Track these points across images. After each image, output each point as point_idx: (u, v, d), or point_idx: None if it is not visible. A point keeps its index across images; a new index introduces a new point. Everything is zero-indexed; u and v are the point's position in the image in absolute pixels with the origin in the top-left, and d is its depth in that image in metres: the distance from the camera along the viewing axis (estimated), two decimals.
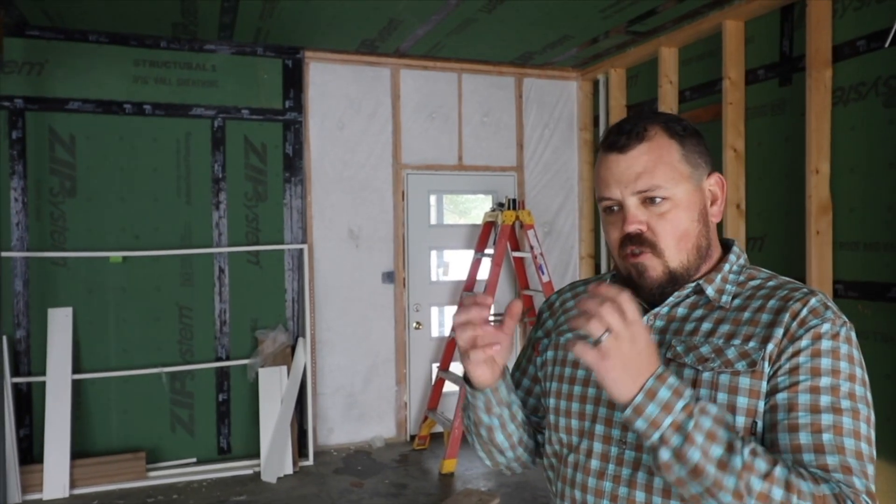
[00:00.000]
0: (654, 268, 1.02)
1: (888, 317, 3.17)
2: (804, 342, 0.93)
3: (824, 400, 0.90)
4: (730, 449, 0.84)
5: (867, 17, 3.25)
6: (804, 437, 0.89)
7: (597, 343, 0.85)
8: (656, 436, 0.85)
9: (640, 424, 0.85)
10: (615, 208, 1.05)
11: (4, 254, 4.15)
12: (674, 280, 1.03)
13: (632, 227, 1.02)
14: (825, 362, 0.92)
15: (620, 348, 0.84)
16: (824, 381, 0.91)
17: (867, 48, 3.26)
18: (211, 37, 4.52)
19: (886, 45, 3.13)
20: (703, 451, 0.83)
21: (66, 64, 4.30)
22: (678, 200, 1.02)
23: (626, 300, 0.85)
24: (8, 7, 3.85)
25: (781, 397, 0.92)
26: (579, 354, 0.86)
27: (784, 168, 3.74)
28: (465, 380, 1.10)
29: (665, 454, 0.85)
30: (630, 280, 1.06)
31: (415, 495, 4.12)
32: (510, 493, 4.11)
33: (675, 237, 1.02)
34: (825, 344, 0.93)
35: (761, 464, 0.84)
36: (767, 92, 3.86)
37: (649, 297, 1.06)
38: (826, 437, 0.88)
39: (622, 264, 1.06)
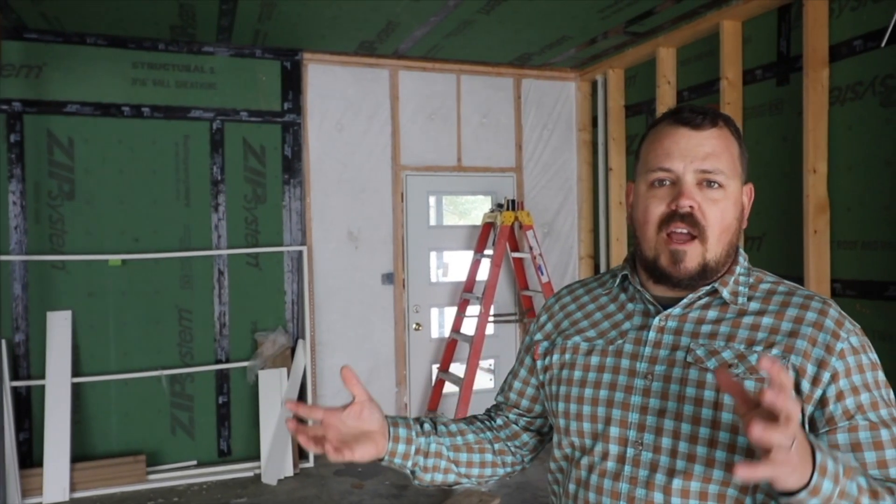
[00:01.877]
0: (693, 258, 1.01)
1: (886, 315, 3.18)
2: (835, 360, 0.96)
3: (884, 413, 0.94)
4: (874, 496, 0.86)
5: (864, 16, 3.26)
6: (869, 456, 0.92)
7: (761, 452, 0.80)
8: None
9: (813, 502, 0.81)
10: (666, 182, 1.03)
11: (3, 257, 4.15)
12: (704, 274, 1.03)
13: (686, 202, 1.00)
14: (868, 377, 0.96)
15: (797, 447, 0.79)
16: (865, 398, 0.95)
17: (864, 48, 3.27)
18: (209, 39, 4.52)
19: (883, 44, 3.15)
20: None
21: (64, 67, 4.31)
22: (730, 193, 1.03)
23: (785, 399, 0.76)
24: (6, 10, 3.85)
25: (861, 419, 0.93)
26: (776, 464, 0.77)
27: (782, 167, 3.75)
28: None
29: None
30: (655, 265, 1.04)
31: (415, 496, 4.12)
32: (511, 494, 4.12)
33: (720, 227, 1.02)
34: (864, 359, 0.97)
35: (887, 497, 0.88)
36: (765, 92, 3.87)
37: (676, 286, 1.05)
38: (890, 452, 0.92)
39: (654, 245, 1.04)
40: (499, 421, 1.28)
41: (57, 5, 3.83)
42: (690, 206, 1.00)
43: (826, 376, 0.95)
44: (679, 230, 1.01)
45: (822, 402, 0.95)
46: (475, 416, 1.30)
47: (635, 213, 1.09)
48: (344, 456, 1.01)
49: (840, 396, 0.94)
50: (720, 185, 1.02)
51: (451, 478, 1.19)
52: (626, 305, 1.13)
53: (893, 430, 0.93)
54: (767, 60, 3.85)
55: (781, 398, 0.74)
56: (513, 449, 1.25)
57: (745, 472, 0.76)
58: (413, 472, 1.15)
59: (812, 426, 0.96)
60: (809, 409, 0.96)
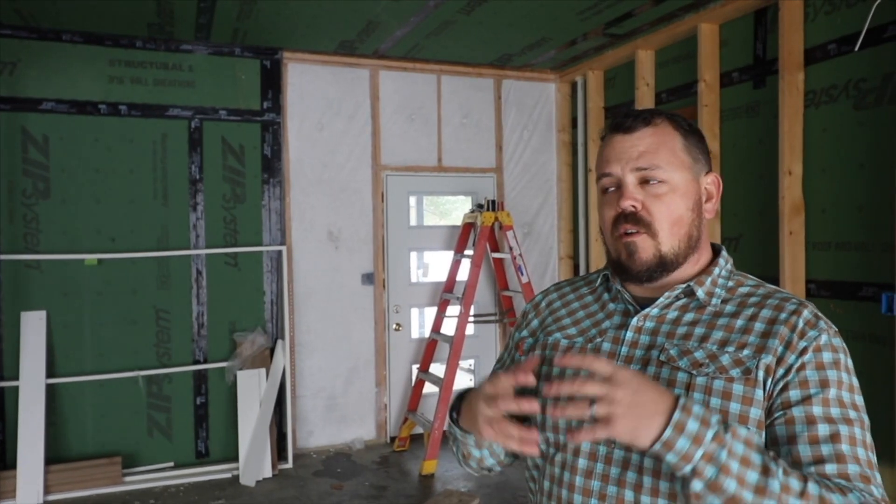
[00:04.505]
0: (645, 249, 1.04)
1: (859, 315, 3.23)
2: (808, 356, 0.96)
3: (835, 412, 0.93)
4: (765, 472, 0.84)
5: (838, 21, 3.32)
6: (825, 449, 0.91)
7: (594, 419, 0.85)
8: (688, 468, 0.84)
9: (670, 458, 0.85)
10: (612, 188, 1.07)
11: None
12: (663, 265, 1.04)
13: (627, 203, 1.03)
14: (831, 374, 0.95)
15: (619, 404, 0.84)
16: (832, 393, 0.94)
17: (838, 52, 3.32)
18: (188, 37, 4.48)
19: (856, 48, 3.20)
20: (739, 478, 0.83)
21: (39, 64, 4.24)
22: (675, 185, 1.04)
23: (592, 361, 0.87)
24: None
25: (798, 411, 0.93)
26: (589, 440, 0.87)
27: (758, 169, 3.80)
28: (453, 420, 1.12)
29: (697, 485, 0.84)
30: (619, 263, 1.07)
31: (395, 497, 4.11)
32: (490, 494, 4.12)
33: (669, 220, 1.04)
34: (826, 356, 0.96)
35: (795, 482, 0.84)
36: (742, 94, 3.92)
37: (636, 279, 1.07)
38: (844, 447, 0.90)
39: (613, 245, 1.07)
40: None
41: (32, 2, 3.77)
42: (633, 206, 1.04)
43: (780, 371, 0.96)
44: (628, 230, 1.04)
45: (769, 396, 0.96)
46: None
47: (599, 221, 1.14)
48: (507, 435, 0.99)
49: (785, 388, 0.95)
50: (661, 181, 1.04)
51: (489, 461, 1.19)
52: (608, 305, 1.14)
53: (840, 428, 0.92)
54: (744, 63, 3.90)
55: (580, 360, 0.88)
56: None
57: (581, 437, 0.86)
58: (482, 455, 1.17)
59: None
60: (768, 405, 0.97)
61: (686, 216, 1.05)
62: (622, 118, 1.08)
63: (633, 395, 0.84)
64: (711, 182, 1.11)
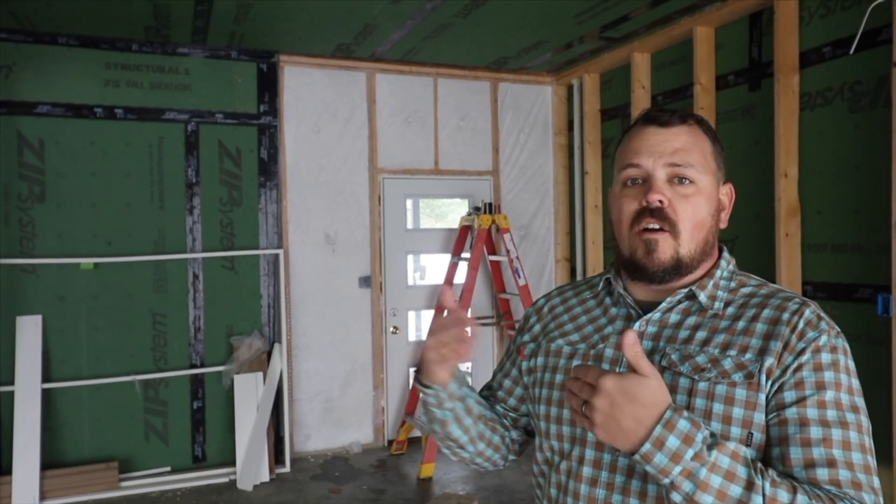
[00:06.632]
0: (665, 250, 1.02)
1: (856, 317, 3.24)
2: (805, 357, 0.94)
3: (831, 414, 0.91)
4: (749, 487, 0.83)
5: (832, 24, 3.33)
6: (816, 453, 0.89)
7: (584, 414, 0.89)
8: (666, 481, 0.85)
9: (650, 469, 0.85)
10: (637, 181, 1.04)
11: None
12: (678, 268, 1.03)
13: (655, 197, 1.01)
14: (828, 376, 0.93)
15: (598, 412, 0.86)
16: (829, 395, 0.92)
17: (833, 54, 3.34)
18: (184, 40, 4.48)
19: (851, 51, 3.21)
20: (720, 493, 0.83)
21: (34, 67, 4.23)
22: (702, 188, 1.03)
23: (587, 371, 0.88)
24: None
25: (791, 412, 0.92)
26: (581, 424, 0.91)
27: (754, 172, 3.81)
28: (417, 379, 1.14)
29: (676, 497, 0.85)
30: (633, 261, 1.05)
31: (393, 500, 4.11)
32: (488, 497, 4.12)
33: (692, 222, 1.02)
34: (825, 357, 0.94)
35: (783, 494, 0.84)
36: (737, 97, 3.93)
37: (649, 279, 1.05)
38: (836, 452, 0.89)
39: (630, 241, 1.05)
40: (497, 410, 1.29)
41: (27, 4, 3.76)
42: (660, 201, 1.02)
43: (777, 373, 0.95)
44: (650, 225, 1.02)
45: (767, 397, 0.95)
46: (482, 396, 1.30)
47: (612, 214, 1.10)
48: (449, 366, 1.07)
49: (780, 389, 0.94)
50: (691, 181, 1.03)
51: (464, 439, 1.18)
52: (610, 310, 1.13)
53: (833, 432, 0.90)
54: (740, 66, 3.91)
55: (581, 371, 0.89)
56: (495, 441, 1.25)
57: (575, 418, 0.90)
58: (445, 418, 1.15)
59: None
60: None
61: (707, 221, 1.04)
62: (657, 112, 1.06)
63: (610, 407, 0.85)
64: (726, 193, 1.10)
